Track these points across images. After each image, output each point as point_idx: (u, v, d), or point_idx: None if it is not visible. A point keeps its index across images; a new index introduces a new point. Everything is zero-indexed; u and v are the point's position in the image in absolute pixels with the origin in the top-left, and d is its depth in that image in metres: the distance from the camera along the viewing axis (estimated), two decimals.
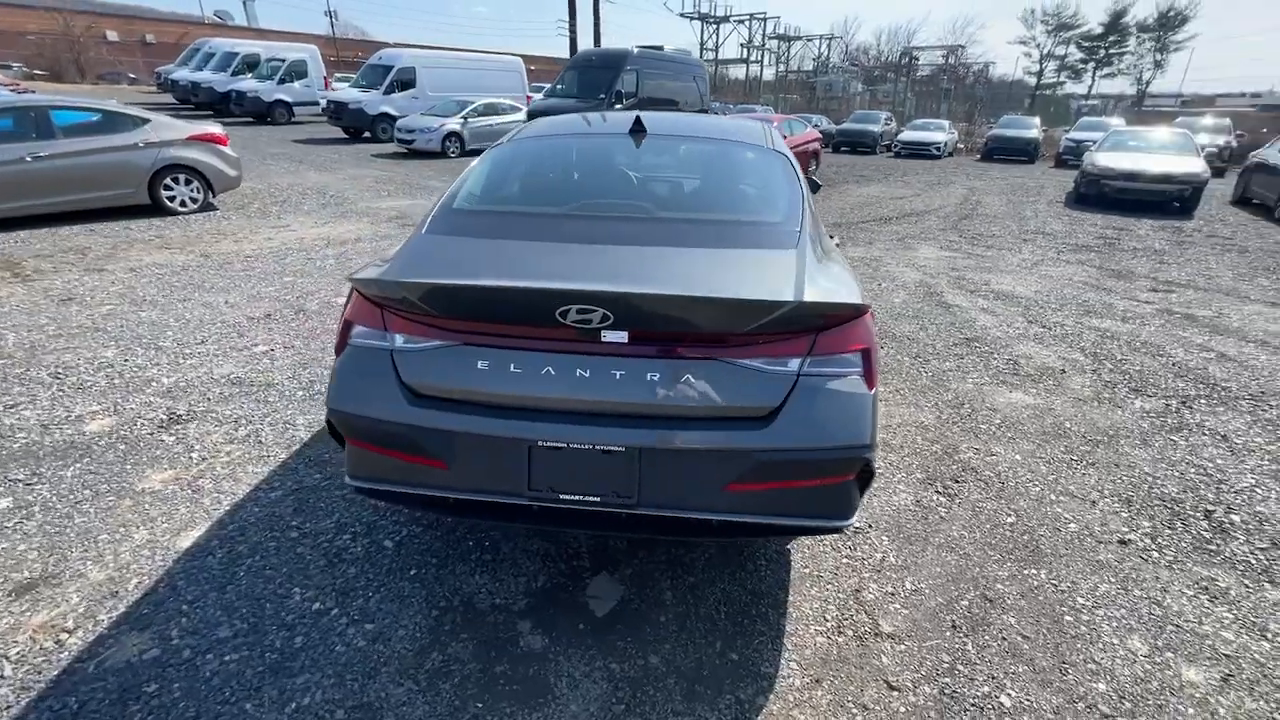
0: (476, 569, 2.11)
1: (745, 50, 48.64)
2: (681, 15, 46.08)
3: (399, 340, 1.75)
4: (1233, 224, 9.39)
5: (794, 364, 1.65)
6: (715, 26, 47.35)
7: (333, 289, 4.84)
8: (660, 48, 15.91)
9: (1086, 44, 58.92)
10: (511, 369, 1.67)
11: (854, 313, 1.69)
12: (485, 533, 2.26)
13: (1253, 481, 2.75)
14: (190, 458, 2.63)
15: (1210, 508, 2.55)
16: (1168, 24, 58.00)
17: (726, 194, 2.55)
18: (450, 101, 16.12)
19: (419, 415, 1.68)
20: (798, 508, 1.70)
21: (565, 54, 33.25)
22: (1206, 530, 2.42)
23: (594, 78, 14.02)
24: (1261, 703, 1.72)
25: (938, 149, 20.05)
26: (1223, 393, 3.63)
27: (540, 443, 1.64)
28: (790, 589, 2.08)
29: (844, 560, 2.21)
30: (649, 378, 1.63)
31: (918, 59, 46.30)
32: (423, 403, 1.70)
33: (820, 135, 14.94)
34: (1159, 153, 10.71)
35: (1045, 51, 60.24)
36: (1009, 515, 2.47)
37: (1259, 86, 68.72)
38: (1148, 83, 60.71)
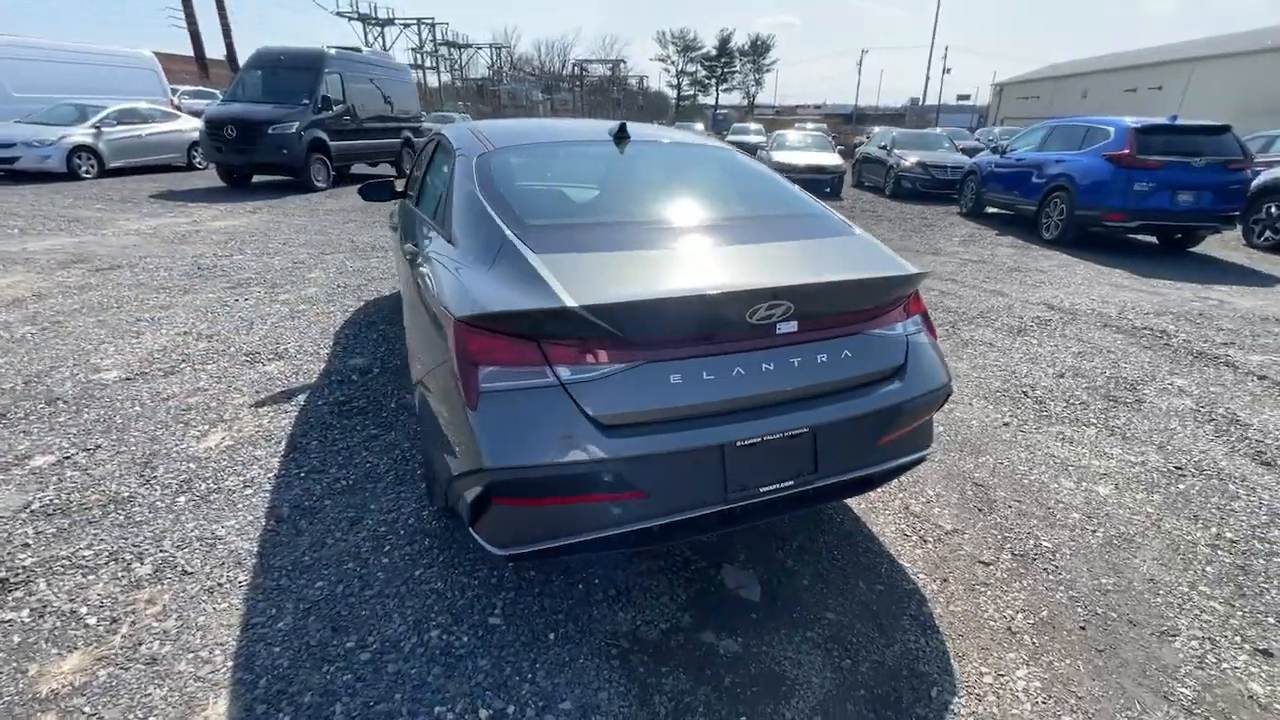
0: (613, 608, 1.95)
1: (418, 56, 46.87)
2: (339, 14, 42.19)
3: (566, 373, 1.55)
4: (867, 200, 12.82)
5: (901, 327, 1.97)
6: (380, 30, 44.50)
7: None
8: (358, 49, 14.50)
9: (708, 63, 71.59)
10: (704, 376, 1.63)
11: (918, 281, 2.08)
12: (577, 574, 2.08)
13: (1029, 368, 4.04)
14: None
15: (1027, 391, 3.70)
16: (758, 50, 73.80)
17: (753, 192, 2.61)
18: (64, 107, 12.27)
19: (618, 447, 1.53)
20: (911, 446, 2.03)
21: (185, 50, 28.10)
22: (1035, 405, 3.51)
23: (288, 81, 12.12)
24: (1102, 485, 2.67)
25: None
26: (966, 315, 5.13)
27: (737, 443, 1.65)
28: (865, 523, 2.42)
29: (876, 492, 2.63)
30: (819, 359, 1.77)
31: (587, 70, 50.59)
32: (616, 433, 1.55)
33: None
34: (811, 150, 13.95)
35: (679, 68, 71.50)
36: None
37: (819, 99, 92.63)
38: (754, 96, 76.71)
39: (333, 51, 12.81)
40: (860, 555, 2.23)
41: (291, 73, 12.25)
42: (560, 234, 1.89)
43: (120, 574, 2.00)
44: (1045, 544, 2.32)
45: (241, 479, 2.54)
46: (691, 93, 72.82)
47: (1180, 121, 7.28)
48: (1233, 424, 3.28)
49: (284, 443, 2.83)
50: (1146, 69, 38.82)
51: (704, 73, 71.25)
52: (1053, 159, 8.31)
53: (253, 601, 1.91)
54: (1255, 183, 7.76)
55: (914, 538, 2.34)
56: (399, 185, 3.85)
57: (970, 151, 14.61)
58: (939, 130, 17.53)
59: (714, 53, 70.13)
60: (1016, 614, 1.99)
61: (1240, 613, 2.01)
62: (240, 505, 2.37)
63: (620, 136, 2.54)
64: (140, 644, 1.75)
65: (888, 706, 1.66)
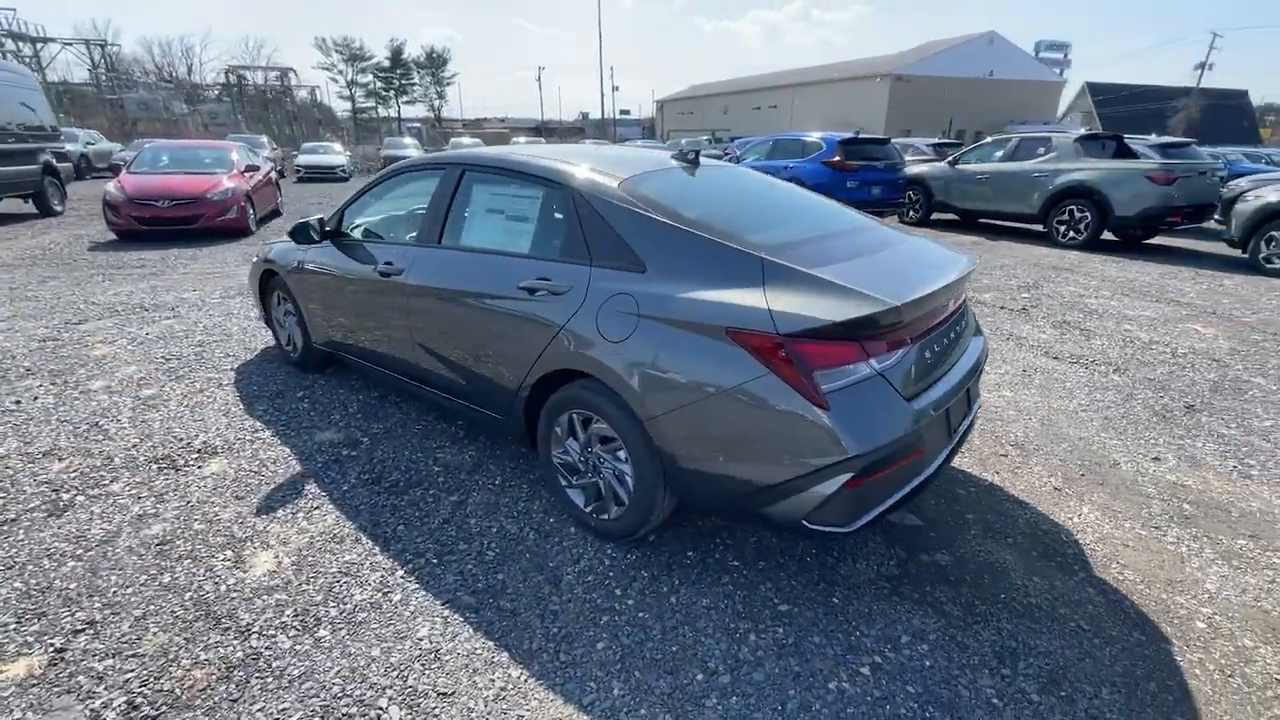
0: (851, 566, 2.26)
1: None
2: None
3: (876, 363, 1.84)
4: None
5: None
6: None
7: None
8: None
9: (382, 74, 67.56)
10: (935, 348, 2.08)
11: None
12: (792, 554, 2.33)
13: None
14: None
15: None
16: (435, 62, 72.33)
17: (829, 208, 2.81)
18: None
19: (916, 414, 1.89)
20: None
21: None
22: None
23: None
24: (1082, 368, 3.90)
25: (343, 170, 20.56)
26: None
27: (954, 393, 2.15)
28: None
29: None
30: (961, 325, 2.37)
31: (245, 78, 43.22)
32: (913, 403, 1.90)
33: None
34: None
35: (350, 78, 66.03)
36: None
37: (502, 113, 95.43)
38: (439, 109, 75.06)
39: None
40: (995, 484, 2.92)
41: None
42: (789, 251, 2.07)
43: None
44: None
45: (375, 593, 2.08)
46: (370, 104, 68.10)
47: (864, 135, 9.93)
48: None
49: (365, 537, 2.35)
50: (767, 91, 49.52)
51: (380, 84, 67.16)
52: (781, 166, 10.45)
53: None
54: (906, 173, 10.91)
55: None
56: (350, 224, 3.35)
57: None
58: (638, 142, 19.88)
59: (387, 63, 66.56)
60: (1050, 477, 2.88)
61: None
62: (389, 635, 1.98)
63: (693, 160, 2.76)
64: None
65: (1043, 549, 2.35)
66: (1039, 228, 9.29)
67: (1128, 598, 2.11)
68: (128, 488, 2.65)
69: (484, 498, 2.64)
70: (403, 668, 1.79)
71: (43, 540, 2.30)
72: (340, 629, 1.92)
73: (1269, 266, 7.16)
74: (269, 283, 4.01)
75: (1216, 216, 8.74)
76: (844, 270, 1.97)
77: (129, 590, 2.06)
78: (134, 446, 3.00)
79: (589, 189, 2.32)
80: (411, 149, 22.93)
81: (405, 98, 74.58)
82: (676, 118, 62.09)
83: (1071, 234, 8.73)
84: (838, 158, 9.54)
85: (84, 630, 1.89)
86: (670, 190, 2.39)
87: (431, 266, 2.76)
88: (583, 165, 2.47)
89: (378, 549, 2.30)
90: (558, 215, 2.43)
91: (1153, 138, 10.85)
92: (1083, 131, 9.86)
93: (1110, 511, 2.60)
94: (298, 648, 1.85)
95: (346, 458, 2.94)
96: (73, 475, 2.73)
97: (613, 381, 2.08)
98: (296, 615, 1.97)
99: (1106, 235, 8.70)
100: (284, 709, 1.65)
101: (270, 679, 1.74)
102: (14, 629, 1.89)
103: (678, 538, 2.38)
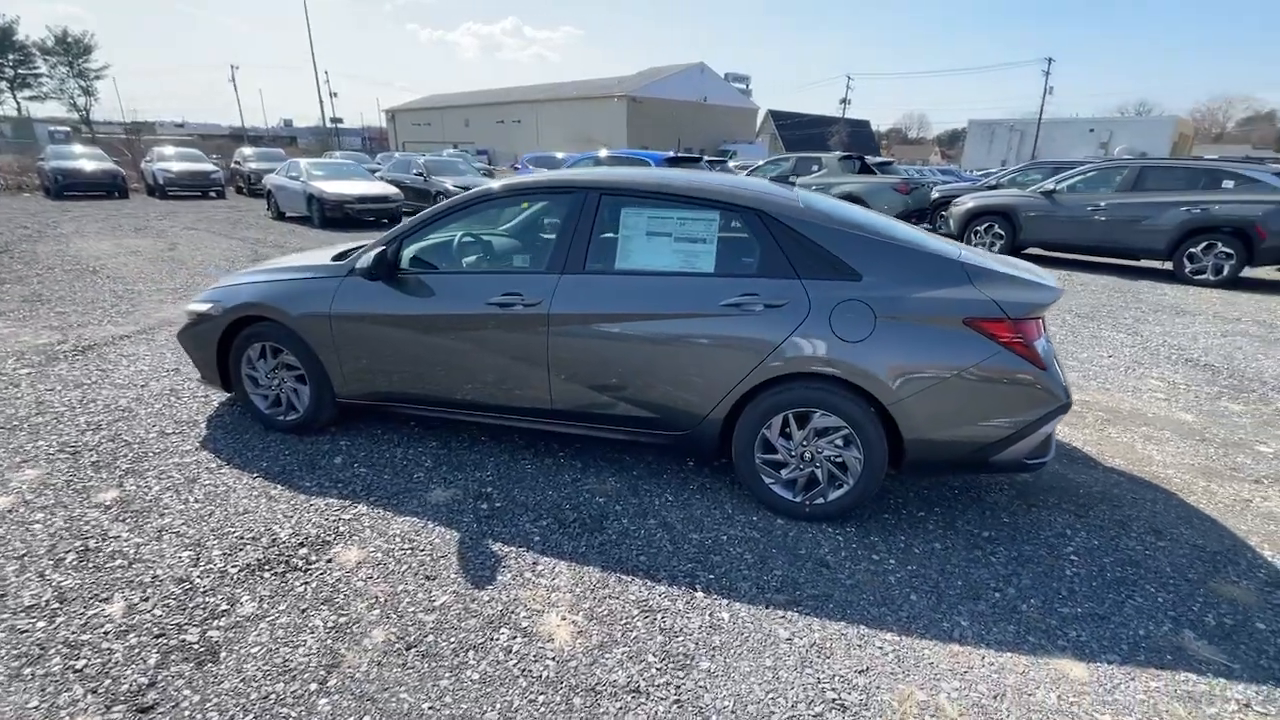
0: (985, 513, 2.91)
1: None
2: None
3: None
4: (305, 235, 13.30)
5: None
6: None
7: None
8: None
9: None
10: None
11: None
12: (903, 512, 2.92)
13: None
14: None
15: None
16: (74, 49, 57.09)
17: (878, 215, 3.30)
18: None
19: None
20: None
21: None
22: None
23: None
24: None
25: None
26: None
27: None
28: None
29: None
30: None
31: None
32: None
33: None
34: (359, 179, 13.25)
35: None
36: None
37: (177, 117, 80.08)
38: (88, 108, 59.36)
39: None
40: None
41: None
42: (960, 253, 2.61)
43: None
44: None
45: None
46: None
47: (681, 154, 11.09)
48: None
49: (624, 576, 2.26)
50: (512, 105, 49.92)
51: None
52: None
53: None
54: None
55: None
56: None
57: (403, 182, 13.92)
58: (387, 155, 18.18)
59: None
60: None
61: None
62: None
63: (788, 181, 3.14)
64: None
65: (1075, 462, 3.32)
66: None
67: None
68: (276, 615, 2.08)
69: (680, 514, 2.69)
70: (801, 669, 1.90)
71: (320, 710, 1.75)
72: (714, 657, 1.93)
73: None
74: (237, 334, 3.23)
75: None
76: (1007, 266, 2.61)
77: (460, 704, 1.74)
78: (195, 563, 2.29)
79: (779, 210, 2.59)
80: (88, 160, 17.44)
81: (28, 92, 57.59)
82: (411, 129, 58.94)
83: None
84: None
85: None
86: (826, 208, 2.77)
87: (586, 293, 2.68)
88: (750, 188, 2.72)
89: (645, 583, 2.25)
90: (744, 235, 2.63)
91: None
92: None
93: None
94: (704, 681, 1.82)
95: (493, 511, 2.67)
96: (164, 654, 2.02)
97: (854, 376, 2.41)
98: (665, 659, 1.91)
99: None
100: None
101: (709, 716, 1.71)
102: None
103: (860, 511, 2.76)
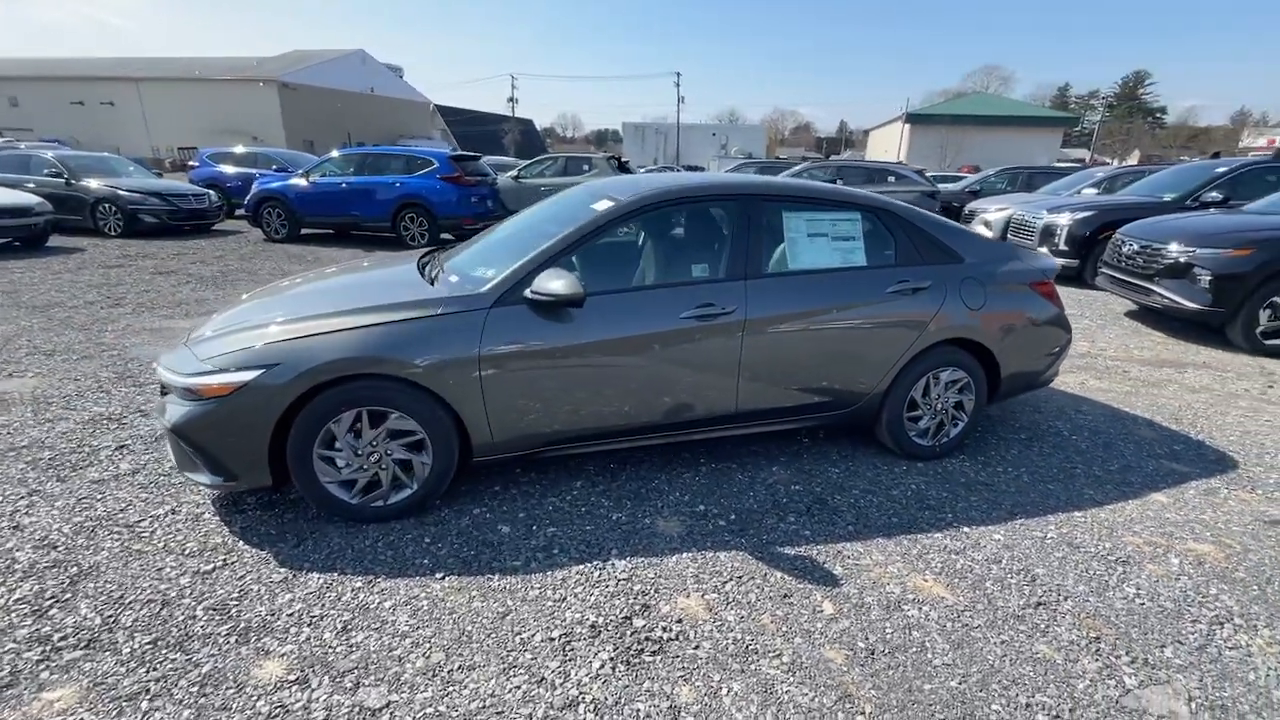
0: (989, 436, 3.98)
1: None
2: None
3: None
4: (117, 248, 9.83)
5: None
6: None
7: None
8: None
9: None
10: None
11: None
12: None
13: None
14: None
15: None
16: None
17: None
18: None
19: None
20: None
21: None
22: None
23: None
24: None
25: None
26: None
27: None
28: None
29: None
30: None
31: None
32: None
33: None
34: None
35: None
36: None
37: None
38: None
39: None
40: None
41: None
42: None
43: None
44: None
45: None
46: None
47: (472, 154, 10.45)
48: None
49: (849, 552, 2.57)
50: (97, 82, 37.68)
51: None
52: (389, 181, 9.89)
53: None
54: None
55: None
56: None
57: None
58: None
59: None
60: None
61: None
62: None
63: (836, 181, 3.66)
64: None
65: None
66: None
67: None
68: (678, 697, 1.82)
69: (866, 479, 3.05)
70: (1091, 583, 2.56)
71: None
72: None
73: None
74: (303, 406, 2.36)
75: None
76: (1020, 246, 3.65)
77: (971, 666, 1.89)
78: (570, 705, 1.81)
79: (898, 209, 3.12)
80: None
81: None
82: None
83: None
84: (457, 173, 9.86)
85: None
86: (911, 206, 3.41)
87: (773, 296, 2.80)
88: (867, 190, 3.17)
89: (889, 554, 2.61)
90: (879, 232, 3.08)
91: None
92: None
93: None
94: (1047, 579, 2.33)
95: (730, 524, 2.63)
96: None
97: (976, 335, 3.13)
98: (1024, 579, 2.34)
99: None
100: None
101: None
102: None
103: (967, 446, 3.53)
